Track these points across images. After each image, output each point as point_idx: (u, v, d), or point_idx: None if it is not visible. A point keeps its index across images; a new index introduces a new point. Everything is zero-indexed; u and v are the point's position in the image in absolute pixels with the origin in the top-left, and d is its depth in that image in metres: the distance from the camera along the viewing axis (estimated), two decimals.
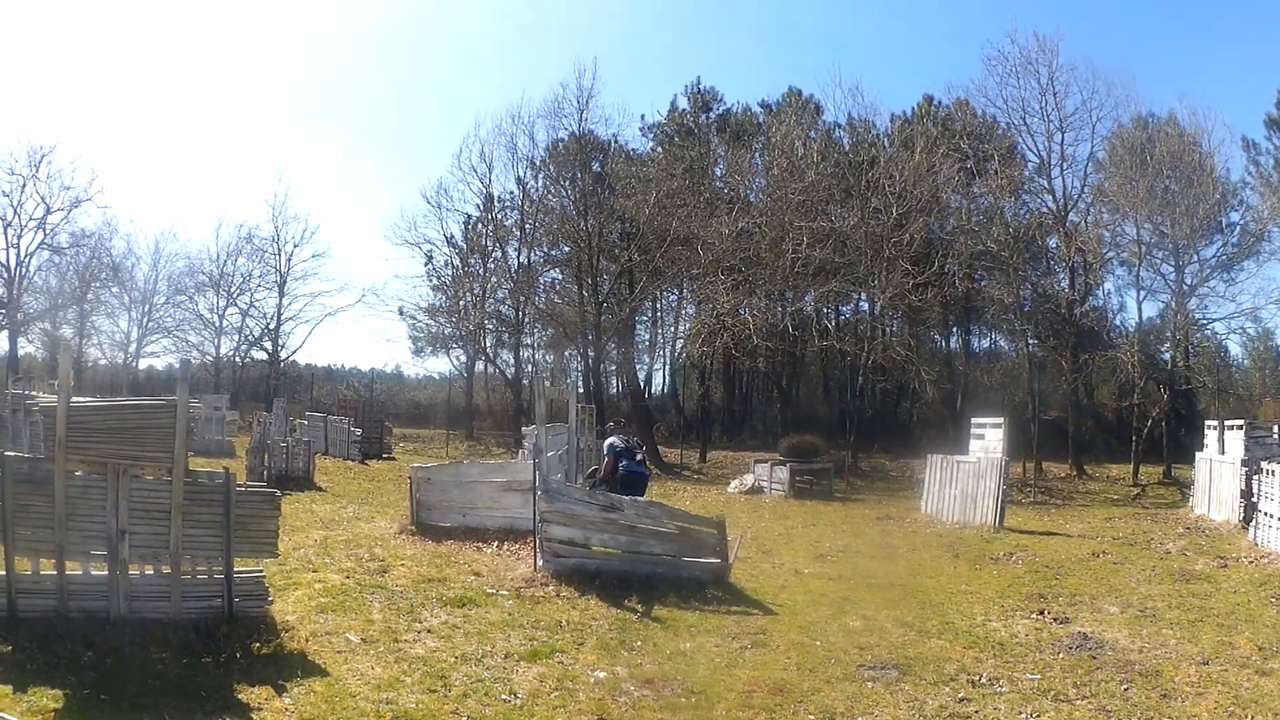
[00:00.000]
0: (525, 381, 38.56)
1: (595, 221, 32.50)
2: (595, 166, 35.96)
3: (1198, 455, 17.58)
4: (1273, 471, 12.59)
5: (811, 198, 29.98)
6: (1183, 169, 27.16)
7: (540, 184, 36.77)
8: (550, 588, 8.52)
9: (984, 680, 6.25)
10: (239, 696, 5.18)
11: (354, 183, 75.78)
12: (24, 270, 39.64)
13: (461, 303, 37.63)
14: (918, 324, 36.64)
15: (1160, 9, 61.30)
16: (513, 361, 40.95)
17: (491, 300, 38.28)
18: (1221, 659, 6.84)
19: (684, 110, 42.37)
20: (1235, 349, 38.27)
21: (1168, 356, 30.11)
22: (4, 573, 5.95)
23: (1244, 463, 14.79)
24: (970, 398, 33.20)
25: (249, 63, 74.62)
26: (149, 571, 6.30)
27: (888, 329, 34.74)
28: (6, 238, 38.89)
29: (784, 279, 30.01)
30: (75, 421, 6.08)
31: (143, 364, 46.65)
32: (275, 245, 43.86)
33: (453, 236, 39.28)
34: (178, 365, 10.13)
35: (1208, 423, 17.86)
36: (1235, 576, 10.52)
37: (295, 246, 44.04)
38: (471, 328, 37.18)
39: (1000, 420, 16.74)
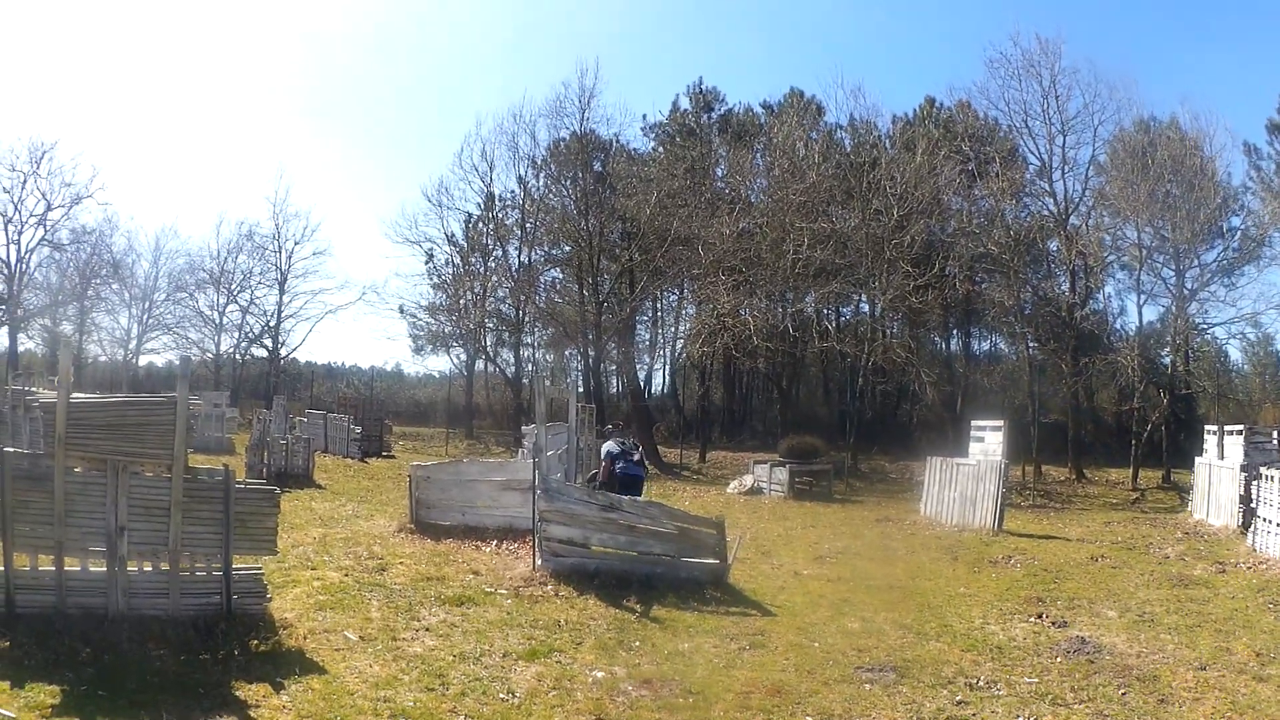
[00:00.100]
0: (525, 380, 38.60)
1: (596, 221, 32.51)
2: (597, 166, 35.95)
3: (1197, 460, 17.57)
4: (1272, 477, 12.58)
5: (813, 199, 29.98)
6: (1184, 173, 27.16)
7: (541, 183, 36.82)
8: (549, 587, 8.52)
9: (982, 683, 6.25)
10: (237, 693, 5.19)
11: (354, 182, 75.91)
12: (24, 266, 39.66)
13: (462, 301, 37.64)
14: (918, 326, 36.69)
15: (1162, 12, 61.37)
16: (513, 360, 40.99)
17: (492, 299, 38.31)
18: (1219, 664, 6.84)
19: (685, 110, 42.41)
20: (1235, 354, 38.41)
21: (1168, 361, 30.09)
22: (3, 568, 5.95)
23: (1243, 468, 14.77)
24: (970, 400, 33.21)
25: (250, 62, 74.68)
26: (148, 568, 6.30)
27: (888, 331, 34.74)
28: (7, 234, 38.92)
29: (785, 280, 30.02)
30: (75, 418, 6.08)
31: (143, 361, 46.70)
32: (276, 243, 43.87)
33: (454, 235, 39.39)
34: (178, 362, 10.13)
35: (1207, 428, 17.85)
36: (1233, 582, 10.52)
37: (296, 244, 44.07)
38: (472, 326, 37.19)
39: (1000, 423, 16.74)
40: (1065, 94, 29.26)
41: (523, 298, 36.18)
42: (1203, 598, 9.55)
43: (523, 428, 23.10)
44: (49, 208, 39.16)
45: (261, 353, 45.70)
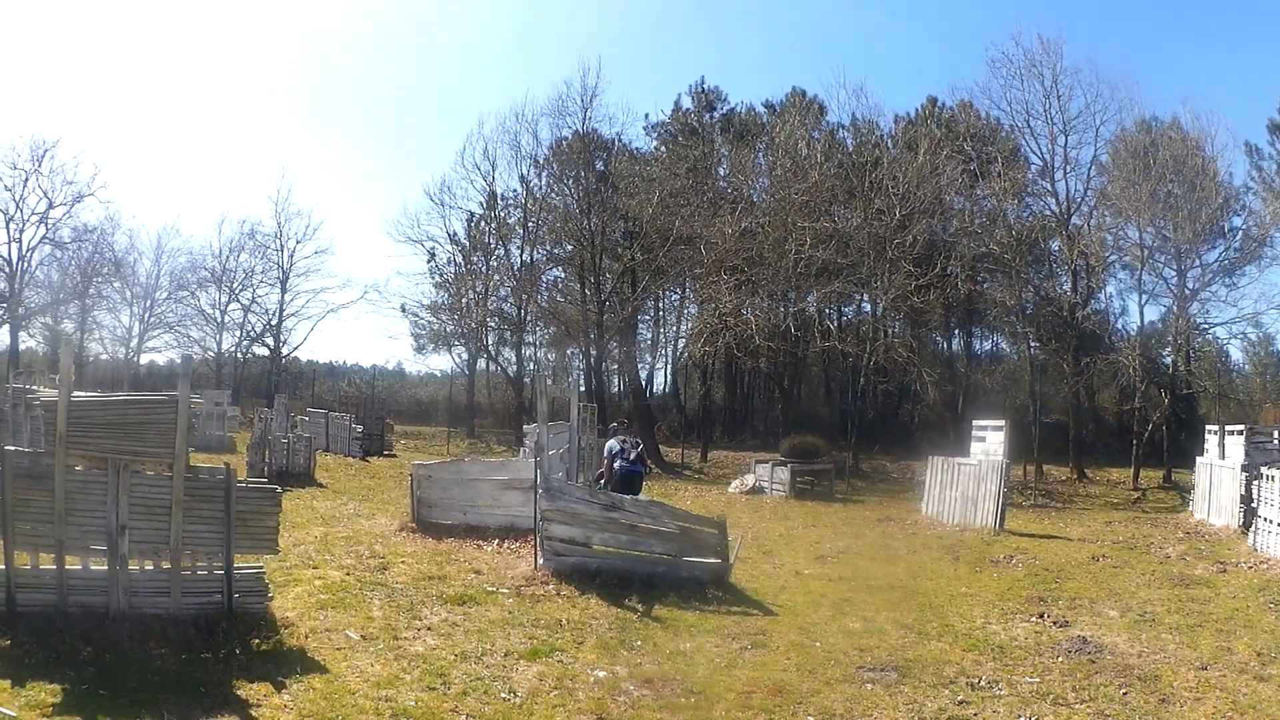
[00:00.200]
0: (527, 380, 38.56)
1: (598, 220, 32.50)
2: (599, 165, 35.96)
3: (1198, 460, 17.56)
4: (1273, 477, 12.57)
5: (815, 198, 29.95)
6: (1185, 173, 27.12)
7: (544, 182, 36.79)
8: (550, 586, 8.53)
9: (983, 683, 6.25)
10: (238, 692, 5.18)
11: (355, 181, 75.96)
12: (26, 264, 39.67)
13: (464, 300, 37.63)
14: (920, 326, 36.67)
15: (1164, 12, 61.33)
16: (514, 359, 40.96)
17: (494, 298, 38.34)
18: (1220, 664, 6.84)
19: (688, 110, 42.39)
20: (1236, 354, 38.41)
21: (1169, 360, 30.05)
22: (3, 567, 5.95)
23: (1244, 468, 14.76)
24: (971, 400, 33.17)
25: (250, 62, 74.73)
26: (149, 567, 6.30)
27: (890, 330, 34.71)
28: (9, 232, 38.91)
29: (786, 279, 29.99)
30: (76, 416, 6.08)
31: (144, 359, 46.70)
32: (278, 241, 43.88)
33: (456, 234, 39.37)
34: (179, 360, 10.12)
35: (1208, 427, 17.83)
36: (1234, 582, 10.51)
37: (298, 243, 44.07)
38: (474, 325, 37.20)
39: (1001, 423, 16.72)
40: (1067, 94, 29.30)
41: (525, 297, 36.18)
42: (1204, 597, 9.54)
43: (524, 427, 23.08)
44: (51, 205, 39.21)
45: (263, 351, 45.74)
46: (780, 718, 5.49)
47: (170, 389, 7.01)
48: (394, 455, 28.15)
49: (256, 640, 6.13)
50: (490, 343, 39.93)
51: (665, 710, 5.51)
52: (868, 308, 34.99)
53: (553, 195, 36.32)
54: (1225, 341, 34.10)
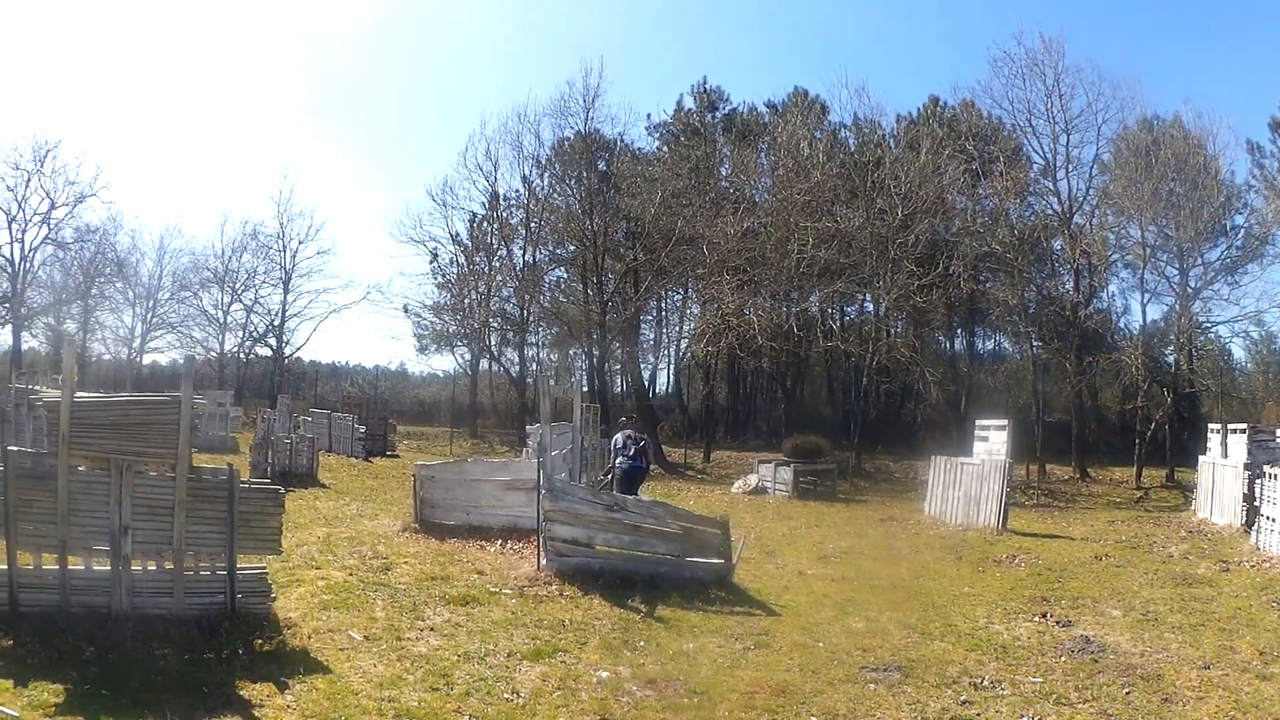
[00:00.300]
0: (530, 380, 38.61)
1: (600, 220, 32.49)
2: (601, 165, 35.94)
3: (1200, 459, 17.53)
4: (1275, 475, 12.55)
5: (817, 198, 29.92)
6: (1187, 172, 27.09)
7: (546, 182, 36.78)
8: (553, 587, 8.52)
9: (986, 683, 6.24)
10: (241, 693, 5.19)
11: (356, 181, 76.09)
12: (28, 265, 39.81)
13: (466, 301, 37.66)
14: (922, 325, 36.62)
15: (1165, 11, 61.27)
16: (517, 360, 41.02)
17: (496, 298, 38.36)
18: (1223, 663, 6.83)
19: (690, 110, 42.40)
20: (1239, 352, 38.34)
21: (1171, 359, 30.01)
22: (6, 567, 5.96)
23: (1247, 467, 14.75)
24: (974, 400, 33.13)
25: (251, 62, 74.83)
26: (151, 567, 6.31)
27: (892, 330, 34.70)
28: (11, 232, 39.08)
29: (789, 279, 29.97)
30: (79, 417, 6.09)
31: (146, 359, 46.83)
32: (280, 242, 44.04)
33: (458, 234, 39.43)
34: (182, 361, 10.14)
35: (1211, 426, 17.79)
36: (1237, 581, 10.49)
37: (300, 243, 44.24)
38: (476, 326, 37.22)
39: (1004, 422, 16.70)
40: (1069, 93, 29.24)
41: (527, 297, 36.20)
42: (1207, 596, 9.53)
43: (527, 427, 23.07)
44: (53, 206, 39.37)
45: (266, 352, 45.86)
46: (783, 718, 5.48)
47: (173, 389, 7.02)
48: (397, 456, 28.16)
49: (259, 641, 6.14)
50: (493, 343, 39.99)
51: (668, 711, 5.51)
52: (870, 307, 34.96)
53: (555, 196, 36.35)
54: (1228, 340, 34.13)
